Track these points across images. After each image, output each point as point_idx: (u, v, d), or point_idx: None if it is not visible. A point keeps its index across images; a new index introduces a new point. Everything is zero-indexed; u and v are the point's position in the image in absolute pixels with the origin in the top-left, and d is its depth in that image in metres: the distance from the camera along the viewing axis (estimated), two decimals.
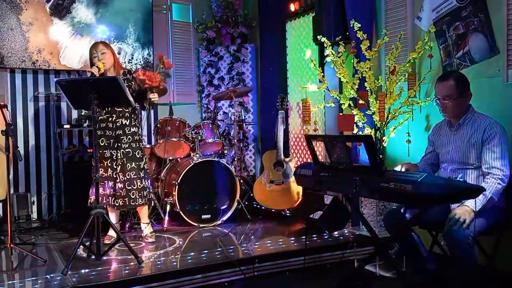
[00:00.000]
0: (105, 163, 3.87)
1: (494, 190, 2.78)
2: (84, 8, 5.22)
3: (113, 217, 3.98)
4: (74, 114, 5.30)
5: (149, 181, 4.00)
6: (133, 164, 3.86)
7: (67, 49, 5.16)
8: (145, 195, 3.91)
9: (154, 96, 3.83)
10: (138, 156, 3.91)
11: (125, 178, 3.83)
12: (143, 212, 4.04)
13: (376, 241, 3.23)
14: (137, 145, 3.91)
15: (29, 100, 5.15)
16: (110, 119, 3.87)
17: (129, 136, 3.88)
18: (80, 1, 5.18)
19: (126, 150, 3.86)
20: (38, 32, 5.01)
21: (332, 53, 4.12)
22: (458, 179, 2.56)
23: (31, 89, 5.15)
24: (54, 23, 5.09)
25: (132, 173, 3.85)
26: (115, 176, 3.85)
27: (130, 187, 3.83)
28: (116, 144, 3.86)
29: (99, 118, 3.87)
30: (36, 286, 3.05)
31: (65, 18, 5.14)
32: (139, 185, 3.86)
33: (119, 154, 3.86)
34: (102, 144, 3.88)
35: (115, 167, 3.86)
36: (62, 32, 5.13)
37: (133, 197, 3.84)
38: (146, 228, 4.04)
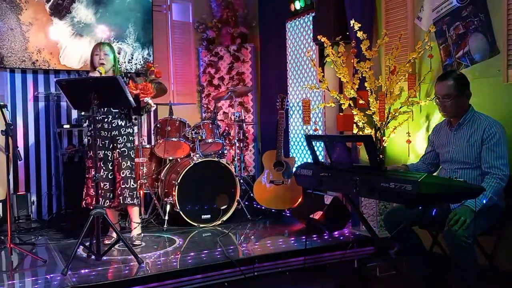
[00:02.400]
0: (99, 164, 3.86)
1: (494, 189, 2.78)
2: (84, 8, 5.21)
3: (111, 218, 3.98)
4: (74, 114, 5.29)
5: (137, 182, 4.01)
6: (128, 163, 3.87)
7: (67, 49, 5.16)
8: (136, 195, 3.91)
9: (150, 103, 3.93)
10: (132, 156, 3.92)
11: (121, 176, 3.84)
12: (134, 212, 4.03)
13: (376, 241, 3.23)
14: (131, 145, 3.93)
15: (29, 100, 5.15)
16: (106, 119, 3.88)
17: (124, 137, 3.89)
18: (80, 1, 5.18)
19: (122, 149, 3.87)
20: (38, 32, 5.01)
21: (332, 53, 4.12)
22: (458, 179, 2.57)
23: (31, 89, 5.15)
24: (54, 23, 5.09)
25: (128, 172, 3.86)
26: (110, 177, 3.86)
27: (124, 185, 3.84)
28: (111, 145, 3.87)
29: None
30: (36, 286, 3.05)
31: (65, 18, 5.14)
32: (132, 185, 3.87)
33: (115, 154, 3.87)
34: (97, 144, 3.86)
35: (110, 168, 3.86)
36: (62, 32, 5.12)
37: (124, 195, 3.84)
38: (136, 229, 4.03)
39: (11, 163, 3.71)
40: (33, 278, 3.18)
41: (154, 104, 4.04)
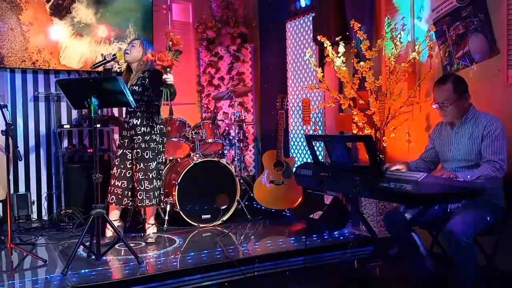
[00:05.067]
0: (115, 161, 3.97)
1: (485, 173, 2.75)
2: (84, 8, 5.21)
3: (114, 216, 4.00)
4: (74, 114, 5.30)
5: (161, 181, 4.02)
6: (141, 165, 3.89)
7: (67, 49, 5.16)
8: (155, 195, 3.93)
9: (168, 77, 3.66)
10: (148, 157, 3.90)
11: (135, 179, 3.89)
12: (149, 213, 4.05)
13: (376, 241, 3.24)
14: (147, 146, 3.91)
15: (29, 100, 5.15)
16: (125, 119, 3.99)
17: (139, 137, 3.91)
18: (80, 1, 5.18)
19: (136, 150, 3.90)
20: (38, 32, 5.00)
21: (332, 53, 4.12)
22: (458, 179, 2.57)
23: (31, 89, 5.15)
24: (54, 23, 5.09)
25: (140, 174, 3.88)
26: (128, 175, 3.91)
27: (138, 188, 3.88)
28: (131, 145, 3.93)
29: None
30: (36, 286, 3.05)
31: (65, 18, 5.14)
32: (147, 186, 3.88)
33: (133, 154, 3.91)
34: (118, 143, 4.03)
35: (129, 166, 3.92)
36: (62, 32, 5.12)
37: (140, 197, 3.87)
38: (149, 229, 4.04)
39: (11, 163, 3.72)
40: (33, 278, 3.18)
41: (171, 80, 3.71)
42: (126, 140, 3.94)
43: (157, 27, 5.71)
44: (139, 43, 3.97)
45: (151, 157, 3.92)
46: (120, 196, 3.91)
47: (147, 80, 3.90)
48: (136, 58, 3.95)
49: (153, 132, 3.95)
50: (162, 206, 4.36)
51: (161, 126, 4.06)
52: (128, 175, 3.92)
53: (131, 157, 3.92)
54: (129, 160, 3.93)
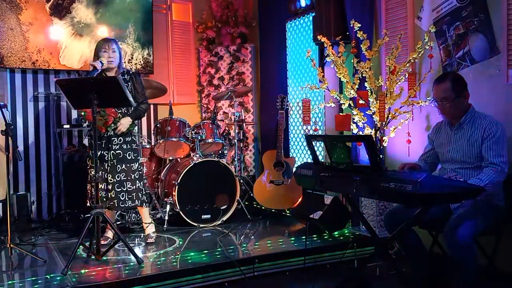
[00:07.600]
0: (91, 164, 3.85)
1: (491, 178, 2.76)
2: (84, 8, 5.21)
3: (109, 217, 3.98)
4: (74, 114, 5.29)
5: (143, 183, 3.95)
6: (123, 166, 3.82)
7: (67, 49, 5.16)
8: (139, 196, 3.87)
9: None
10: (130, 158, 3.85)
11: (115, 180, 3.80)
12: (143, 213, 4.03)
13: (376, 241, 3.24)
14: (128, 147, 3.86)
15: (29, 100, 5.15)
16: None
17: (120, 137, 3.85)
18: (80, 1, 5.18)
19: (117, 151, 3.83)
20: (38, 32, 5.00)
21: (332, 53, 4.12)
22: (458, 179, 2.57)
23: (31, 89, 5.15)
24: (54, 23, 5.09)
25: (122, 175, 3.81)
26: (106, 177, 3.81)
27: (120, 189, 3.80)
28: (108, 145, 3.84)
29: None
30: (36, 286, 3.05)
31: (65, 18, 5.14)
32: (129, 187, 3.82)
33: (110, 156, 3.83)
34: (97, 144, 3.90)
35: (106, 168, 3.82)
36: (62, 32, 5.12)
37: (122, 199, 3.81)
38: (147, 228, 4.03)
39: (11, 163, 3.71)
40: (33, 278, 3.18)
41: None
42: (103, 141, 3.84)
43: (157, 27, 5.71)
44: (116, 46, 3.83)
45: (133, 158, 3.87)
46: (105, 199, 3.82)
47: (129, 84, 3.87)
48: (117, 64, 3.85)
49: (133, 133, 3.93)
50: (147, 207, 4.28)
51: (138, 127, 4.08)
52: (105, 177, 3.81)
53: (107, 158, 3.83)
54: (106, 161, 3.82)
